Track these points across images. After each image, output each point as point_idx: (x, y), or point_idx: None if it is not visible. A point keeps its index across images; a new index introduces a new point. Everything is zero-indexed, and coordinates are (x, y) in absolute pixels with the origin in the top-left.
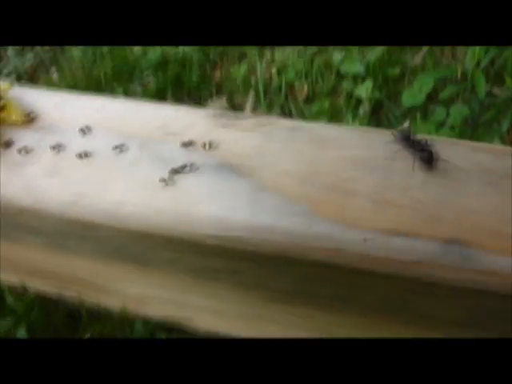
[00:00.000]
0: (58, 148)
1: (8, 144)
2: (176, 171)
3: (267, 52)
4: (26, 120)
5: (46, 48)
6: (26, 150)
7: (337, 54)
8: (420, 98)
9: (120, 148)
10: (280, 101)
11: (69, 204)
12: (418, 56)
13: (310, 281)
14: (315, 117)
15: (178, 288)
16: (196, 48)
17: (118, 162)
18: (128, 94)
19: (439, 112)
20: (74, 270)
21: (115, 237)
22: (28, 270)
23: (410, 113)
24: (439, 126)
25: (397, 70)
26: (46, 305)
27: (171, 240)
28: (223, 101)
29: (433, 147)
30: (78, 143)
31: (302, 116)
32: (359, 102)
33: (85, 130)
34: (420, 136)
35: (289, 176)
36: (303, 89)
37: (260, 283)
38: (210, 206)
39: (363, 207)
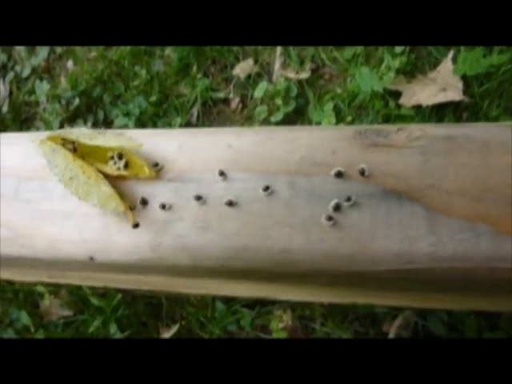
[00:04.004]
0: (200, 199)
1: (145, 201)
2: (338, 206)
3: None
4: (154, 175)
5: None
6: (167, 206)
7: None
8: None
9: (268, 190)
10: (310, 52)
11: (230, 259)
12: None
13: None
14: (350, 61)
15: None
16: None
17: (272, 206)
18: (151, 73)
19: None
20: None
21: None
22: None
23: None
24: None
25: None
26: (126, 299)
27: (346, 276)
28: (250, 63)
29: None
30: (221, 190)
31: (337, 64)
32: None
33: (223, 175)
34: None
35: (460, 194)
36: None
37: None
38: (386, 239)
39: None
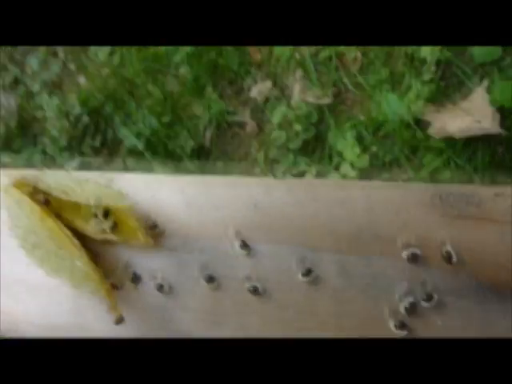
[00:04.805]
0: (213, 281)
1: (136, 278)
2: (413, 307)
3: None
4: (151, 244)
5: (70, 52)
6: (165, 287)
7: None
8: (495, 49)
9: (310, 275)
10: (332, 76)
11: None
12: None
13: None
14: (375, 87)
15: None
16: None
17: (315, 298)
18: (164, 92)
19: None
20: None
21: None
22: None
23: (483, 70)
24: None
25: None
26: None
27: None
28: (268, 85)
29: None
30: (242, 269)
31: (361, 89)
32: (422, 63)
33: (246, 247)
34: None
35: None
36: (356, 58)
37: None
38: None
39: None
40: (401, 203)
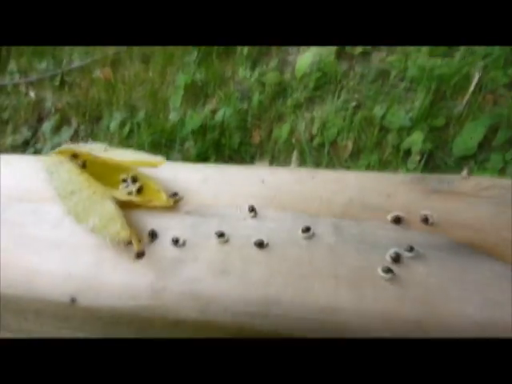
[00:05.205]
0: (223, 236)
1: (154, 235)
2: (397, 257)
3: (306, 111)
4: (171, 204)
5: (82, 122)
6: (180, 241)
7: (378, 109)
8: (472, 146)
9: (309, 232)
10: (324, 160)
11: (253, 316)
12: (460, 104)
13: None
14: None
15: None
16: (234, 112)
17: (313, 251)
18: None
19: (495, 159)
20: None
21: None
22: None
23: (462, 162)
24: (498, 174)
25: (442, 121)
26: None
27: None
28: (266, 163)
29: None
30: (249, 228)
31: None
32: (407, 154)
33: (253, 211)
34: None
35: None
36: (347, 145)
37: None
38: (464, 304)
39: None
40: (386, 182)
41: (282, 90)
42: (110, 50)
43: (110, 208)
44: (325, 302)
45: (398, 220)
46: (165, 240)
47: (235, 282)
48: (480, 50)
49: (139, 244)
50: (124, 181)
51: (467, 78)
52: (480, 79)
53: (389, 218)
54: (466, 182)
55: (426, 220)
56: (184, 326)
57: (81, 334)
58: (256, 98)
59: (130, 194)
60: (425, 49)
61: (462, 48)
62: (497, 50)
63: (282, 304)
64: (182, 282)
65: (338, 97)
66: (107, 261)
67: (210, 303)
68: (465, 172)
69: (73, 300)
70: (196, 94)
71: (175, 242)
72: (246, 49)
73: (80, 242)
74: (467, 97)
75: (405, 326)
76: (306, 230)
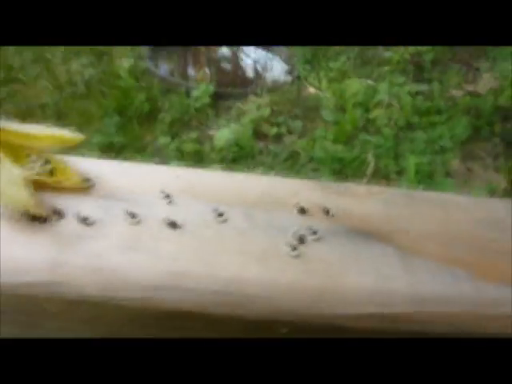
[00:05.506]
0: (135, 217)
1: (60, 214)
2: (302, 238)
3: None
4: (84, 186)
5: None
6: (89, 220)
7: None
8: None
9: (222, 217)
10: None
11: (161, 289)
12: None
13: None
14: None
15: None
16: None
17: (223, 233)
18: None
19: None
20: None
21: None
22: None
23: None
24: None
25: None
26: None
27: (310, 318)
28: None
29: None
30: (163, 211)
31: None
32: None
33: (168, 198)
34: None
35: (430, 239)
36: None
37: None
38: (359, 276)
39: None
40: (294, 183)
41: (200, 160)
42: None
43: (17, 174)
44: (232, 275)
45: (302, 210)
46: (72, 218)
47: (143, 257)
48: (374, 140)
49: (43, 210)
50: (34, 162)
51: (364, 163)
52: (375, 165)
53: (295, 209)
54: (359, 187)
55: (327, 212)
56: (86, 306)
57: None
58: (174, 165)
59: (39, 174)
60: (330, 136)
61: (361, 138)
62: (389, 141)
63: (190, 277)
64: (85, 257)
65: (254, 171)
66: (2, 234)
67: (115, 278)
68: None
69: None
70: (113, 156)
71: (83, 219)
72: (168, 117)
73: None
74: (366, 180)
75: (308, 297)
76: (219, 215)
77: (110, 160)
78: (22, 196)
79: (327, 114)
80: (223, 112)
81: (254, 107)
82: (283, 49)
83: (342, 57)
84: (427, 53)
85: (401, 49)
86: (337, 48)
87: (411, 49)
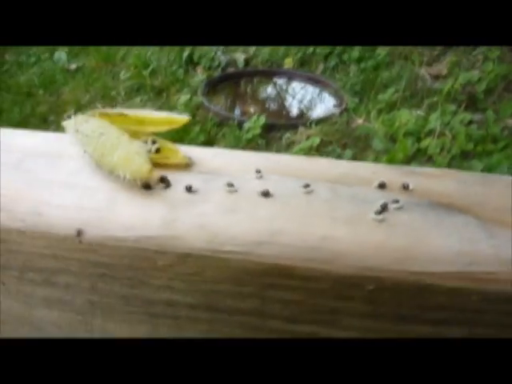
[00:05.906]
0: (232, 186)
1: (167, 183)
2: (385, 206)
3: None
4: (187, 161)
5: None
6: (193, 188)
7: None
8: None
9: (308, 187)
10: None
11: (260, 244)
12: None
13: None
14: None
15: None
16: None
17: (311, 201)
18: None
19: None
20: None
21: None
22: None
23: None
24: None
25: None
26: None
27: (396, 274)
28: None
29: None
30: (256, 184)
31: None
32: None
33: (259, 173)
34: None
35: (506, 213)
36: None
37: None
38: (443, 239)
39: None
40: (371, 165)
41: None
42: None
43: (137, 145)
44: (323, 234)
45: (383, 185)
46: (178, 187)
47: (242, 217)
48: None
49: (156, 179)
50: (145, 142)
51: None
52: None
53: (375, 184)
54: (435, 169)
55: (407, 187)
56: (192, 260)
57: (82, 283)
58: None
59: (149, 151)
60: None
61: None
62: None
63: (285, 234)
64: (192, 216)
65: None
66: (120, 197)
67: (219, 234)
68: None
69: (79, 233)
70: None
71: (188, 188)
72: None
73: (96, 185)
74: None
75: (395, 255)
76: (306, 186)
77: (201, 147)
78: (142, 166)
79: (377, 144)
80: (274, 142)
81: (303, 137)
82: (331, 82)
83: (390, 89)
84: (479, 82)
85: (451, 80)
86: (384, 80)
87: (462, 79)
